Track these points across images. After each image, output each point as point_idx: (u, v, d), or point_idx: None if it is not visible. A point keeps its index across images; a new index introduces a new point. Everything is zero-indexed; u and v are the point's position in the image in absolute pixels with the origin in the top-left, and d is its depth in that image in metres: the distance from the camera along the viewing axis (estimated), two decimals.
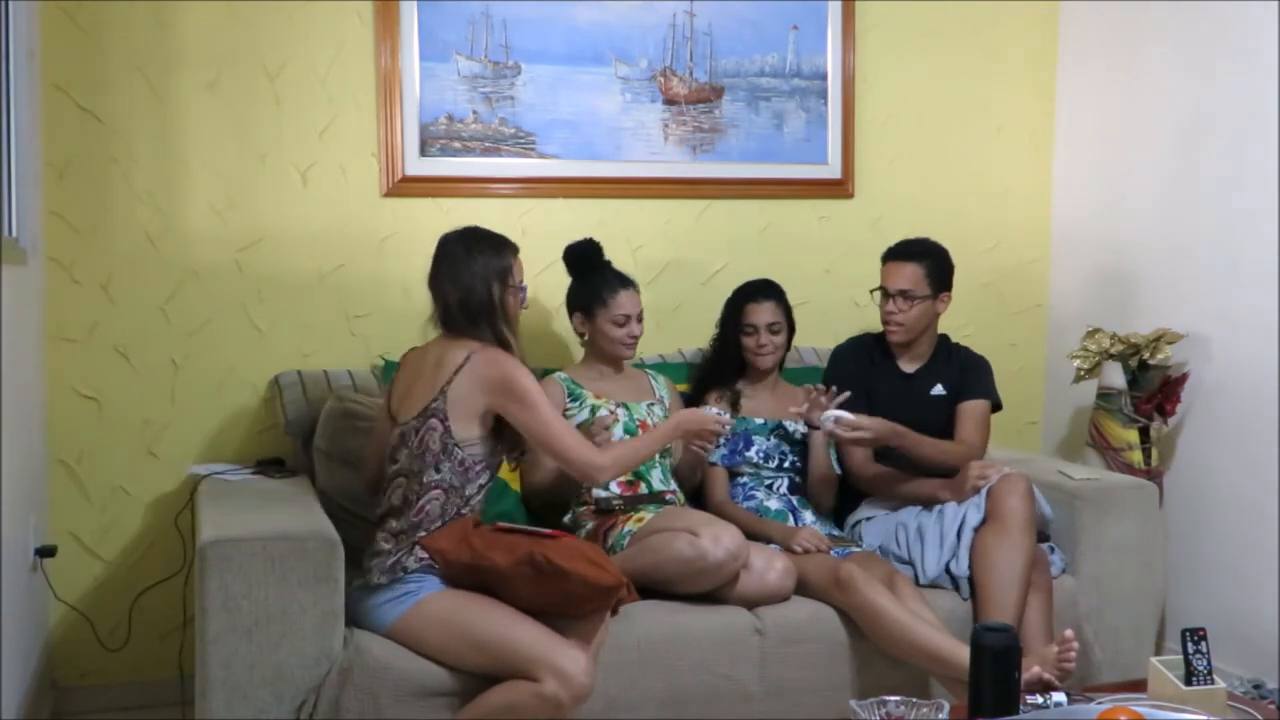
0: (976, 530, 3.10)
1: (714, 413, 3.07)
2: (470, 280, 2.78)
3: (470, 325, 2.79)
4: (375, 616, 2.71)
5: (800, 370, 3.65)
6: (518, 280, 2.85)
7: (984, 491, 3.14)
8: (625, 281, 3.37)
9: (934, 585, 3.14)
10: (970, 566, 3.08)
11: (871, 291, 3.49)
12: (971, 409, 3.43)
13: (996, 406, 3.50)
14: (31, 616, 3.22)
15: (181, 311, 3.51)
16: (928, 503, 3.27)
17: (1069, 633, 2.72)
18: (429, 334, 2.93)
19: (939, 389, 3.47)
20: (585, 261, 3.44)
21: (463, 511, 2.76)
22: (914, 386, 3.48)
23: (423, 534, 2.72)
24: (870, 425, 3.19)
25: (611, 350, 3.37)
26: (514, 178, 3.77)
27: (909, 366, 3.51)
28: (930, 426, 3.37)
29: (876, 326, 3.61)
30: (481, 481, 2.79)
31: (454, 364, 2.74)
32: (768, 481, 3.43)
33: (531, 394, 2.75)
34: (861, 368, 3.50)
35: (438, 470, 2.73)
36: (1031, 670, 2.60)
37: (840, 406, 3.22)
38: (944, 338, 3.56)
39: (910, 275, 3.40)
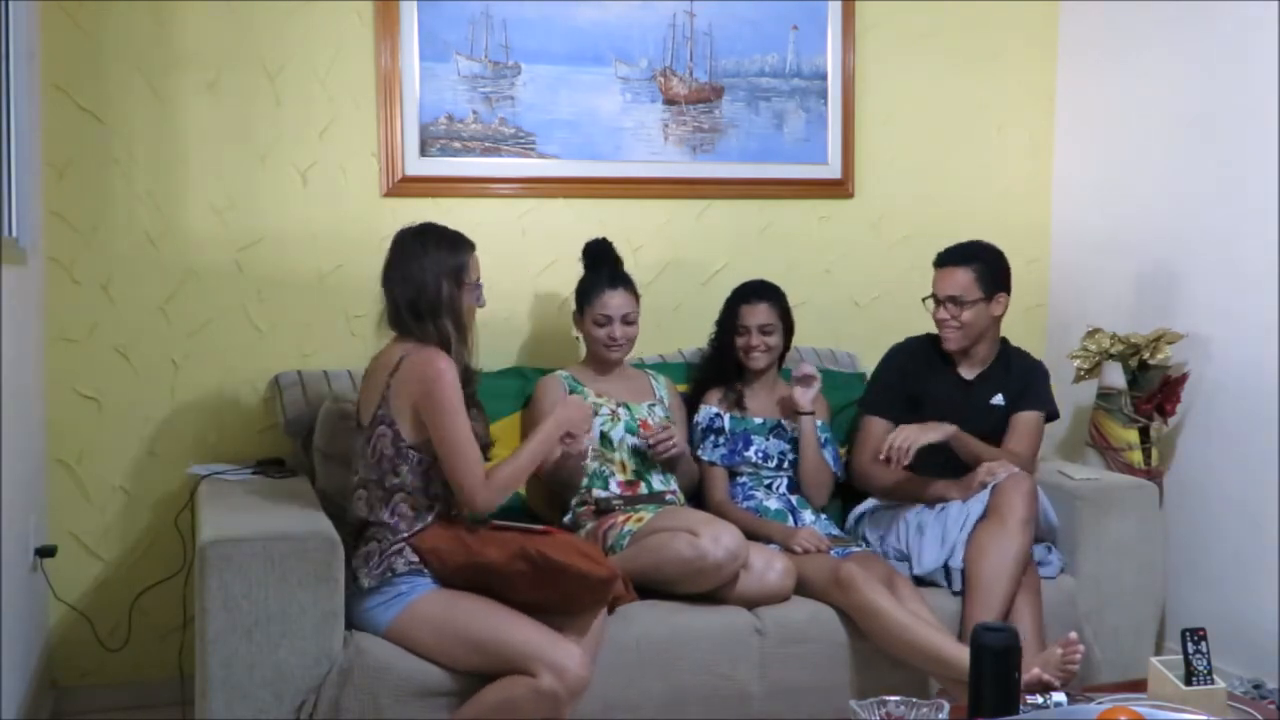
0: (976, 523, 3.11)
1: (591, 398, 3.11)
2: (422, 277, 2.75)
3: (416, 323, 2.75)
4: (368, 620, 2.71)
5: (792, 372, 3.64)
6: (473, 278, 2.82)
7: (989, 488, 3.14)
8: (615, 282, 3.36)
9: (928, 582, 3.15)
10: (964, 558, 3.08)
11: (924, 299, 3.40)
12: (1024, 420, 3.34)
13: (1053, 415, 3.44)
14: (31, 616, 3.22)
15: (181, 311, 3.51)
16: (934, 502, 3.27)
17: (1073, 635, 2.72)
18: (383, 334, 2.91)
19: (999, 398, 3.37)
20: (592, 259, 3.45)
21: (439, 510, 2.75)
22: (973, 394, 3.38)
23: (405, 534, 2.71)
24: (914, 436, 3.12)
25: (594, 350, 3.37)
26: (514, 178, 3.76)
27: (969, 373, 3.41)
28: (988, 437, 3.29)
29: (879, 326, 3.62)
30: (445, 479, 2.76)
31: (390, 366, 2.73)
32: (767, 481, 3.43)
33: (443, 400, 2.67)
34: (916, 369, 3.42)
35: (396, 474, 2.72)
36: (1031, 671, 2.60)
37: (895, 415, 3.24)
38: (1004, 341, 3.46)
39: (959, 281, 3.31)
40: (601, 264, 3.43)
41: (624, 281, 3.38)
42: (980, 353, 3.41)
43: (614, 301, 3.33)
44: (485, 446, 2.88)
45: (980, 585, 2.99)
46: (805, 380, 3.41)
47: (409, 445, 2.72)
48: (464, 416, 2.70)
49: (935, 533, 3.18)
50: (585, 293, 3.37)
